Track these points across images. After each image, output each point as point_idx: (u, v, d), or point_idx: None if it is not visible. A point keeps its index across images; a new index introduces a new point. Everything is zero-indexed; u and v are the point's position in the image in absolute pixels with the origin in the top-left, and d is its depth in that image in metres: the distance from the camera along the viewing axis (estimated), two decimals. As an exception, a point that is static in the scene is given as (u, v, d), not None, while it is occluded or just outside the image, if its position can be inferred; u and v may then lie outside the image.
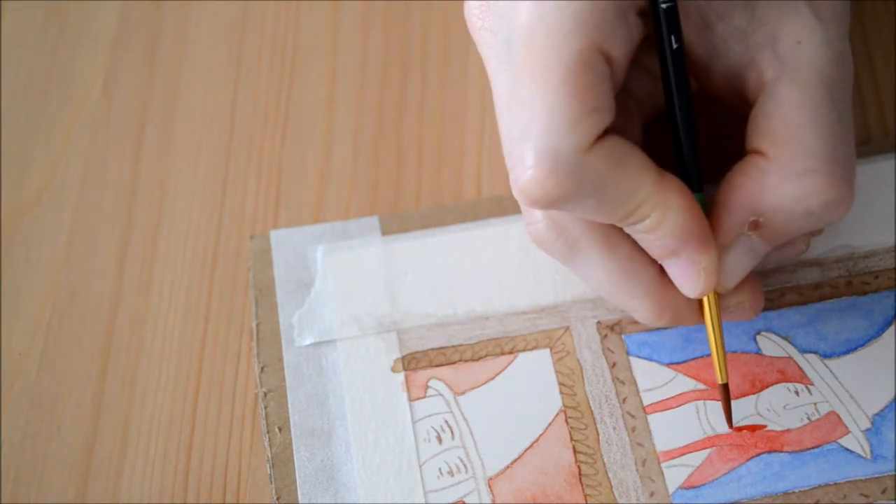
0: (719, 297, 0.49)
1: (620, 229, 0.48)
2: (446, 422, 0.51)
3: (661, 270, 0.49)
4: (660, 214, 0.46)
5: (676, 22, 0.47)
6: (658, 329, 0.53)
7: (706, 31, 0.48)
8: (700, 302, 0.49)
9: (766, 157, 0.47)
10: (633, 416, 0.51)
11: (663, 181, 0.46)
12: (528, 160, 0.45)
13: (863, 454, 0.49)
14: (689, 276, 0.47)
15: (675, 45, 0.47)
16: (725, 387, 0.49)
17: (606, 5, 0.45)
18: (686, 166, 0.48)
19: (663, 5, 0.47)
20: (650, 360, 0.52)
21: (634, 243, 0.48)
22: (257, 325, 0.54)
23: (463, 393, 0.52)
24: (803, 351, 0.52)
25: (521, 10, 0.45)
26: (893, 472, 0.49)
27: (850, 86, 0.48)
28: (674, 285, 0.48)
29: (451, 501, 0.50)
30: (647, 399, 0.51)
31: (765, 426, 0.50)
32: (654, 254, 0.48)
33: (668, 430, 0.50)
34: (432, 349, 0.53)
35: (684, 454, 0.50)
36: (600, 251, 0.48)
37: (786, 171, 0.46)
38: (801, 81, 0.47)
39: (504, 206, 0.56)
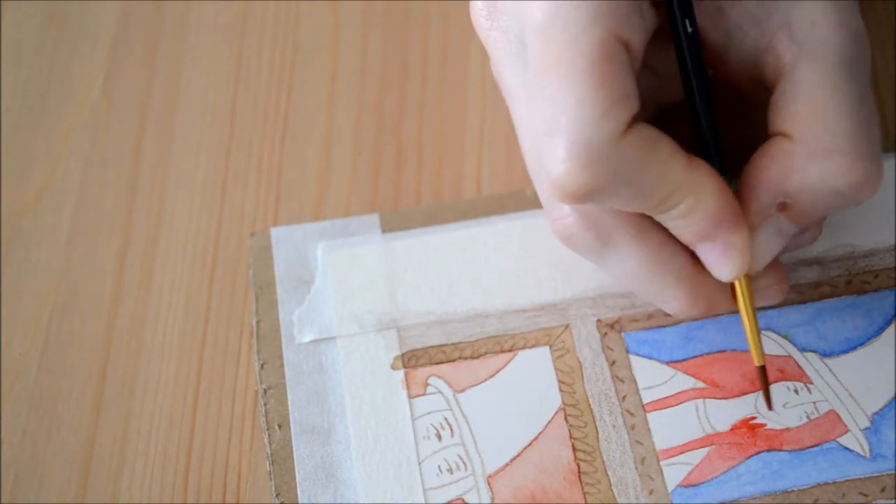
0: (749, 281, 0.49)
1: (650, 218, 0.48)
2: (446, 419, 0.51)
3: (693, 258, 0.48)
4: (694, 198, 0.46)
5: (689, 6, 0.47)
6: (658, 327, 0.53)
7: (720, 18, 0.49)
8: (732, 288, 0.49)
9: (790, 139, 0.47)
10: (632, 415, 0.51)
11: (694, 165, 0.46)
12: (561, 154, 0.44)
13: (862, 453, 0.49)
14: (723, 259, 0.47)
15: (689, 30, 0.47)
16: (763, 369, 0.50)
17: None
18: (709, 151, 0.48)
19: None
20: (650, 358, 0.52)
21: (665, 231, 0.48)
22: (257, 322, 0.54)
23: (462, 390, 0.52)
24: (803, 350, 0.52)
25: (533, 7, 0.45)
26: (893, 471, 0.49)
27: (869, 65, 0.48)
28: (706, 272, 0.48)
29: (450, 499, 0.50)
30: (647, 397, 0.51)
31: (764, 424, 0.50)
32: (687, 239, 0.48)
33: (668, 428, 0.50)
34: (432, 346, 0.53)
35: (683, 452, 0.50)
36: (632, 241, 0.48)
37: (811, 153, 0.46)
38: (819, 63, 0.47)
39: (504, 204, 0.56)
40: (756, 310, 0.49)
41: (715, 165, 0.47)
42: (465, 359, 0.53)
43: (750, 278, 0.49)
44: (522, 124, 0.49)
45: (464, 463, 0.50)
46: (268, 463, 0.51)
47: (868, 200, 0.47)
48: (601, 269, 0.50)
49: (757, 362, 0.49)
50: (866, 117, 0.47)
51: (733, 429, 0.50)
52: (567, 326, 0.53)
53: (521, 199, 0.56)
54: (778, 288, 0.50)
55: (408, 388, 0.52)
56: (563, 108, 0.44)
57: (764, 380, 0.50)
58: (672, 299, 0.49)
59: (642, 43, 0.46)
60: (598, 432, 0.51)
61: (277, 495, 0.50)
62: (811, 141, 0.46)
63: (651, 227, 0.48)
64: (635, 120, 0.45)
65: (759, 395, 0.51)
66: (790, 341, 0.52)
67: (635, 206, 0.46)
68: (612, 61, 0.44)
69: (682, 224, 0.47)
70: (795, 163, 0.47)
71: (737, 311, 0.49)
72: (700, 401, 0.51)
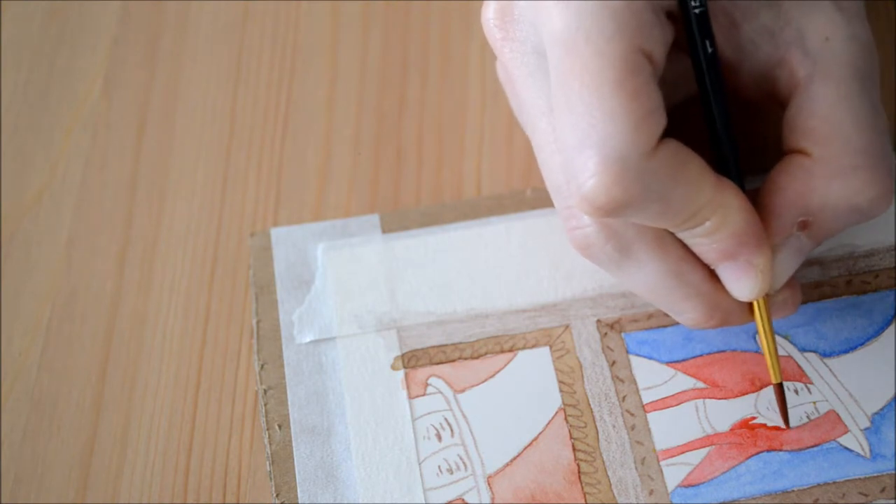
0: (768, 299, 0.49)
1: (670, 231, 0.47)
2: (446, 419, 0.51)
3: (711, 271, 0.48)
4: (720, 217, 0.46)
5: (708, 26, 0.47)
6: (658, 327, 0.53)
7: (733, 32, 0.49)
8: (748, 303, 0.49)
9: (809, 157, 0.47)
10: (632, 415, 0.51)
11: (721, 183, 0.46)
12: (592, 167, 0.44)
13: (862, 453, 0.49)
14: (745, 279, 0.47)
15: (709, 50, 0.47)
16: (780, 386, 0.49)
17: (643, 6, 0.44)
18: (728, 169, 0.48)
19: (695, 10, 0.47)
20: (650, 358, 0.52)
21: (685, 245, 0.48)
22: (257, 322, 0.54)
23: (462, 391, 0.52)
24: (803, 350, 0.52)
25: (553, 17, 0.45)
26: (893, 471, 0.49)
27: (878, 76, 0.48)
28: (723, 286, 0.48)
29: (450, 499, 0.50)
30: (647, 397, 0.51)
31: (764, 424, 0.50)
32: (709, 257, 0.47)
33: (668, 428, 0.50)
34: (432, 347, 0.53)
35: (684, 452, 0.50)
36: (653, 254, 0.48)
37: (831, 170, 0.47)
38: (834, 78, 0.47)
39: (504, 204, 0.56)
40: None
41: (735, 183, 0.47)
42: (465, 359, 0.53)
43: (768, 295, 0.49)
44: (542, 135, 0.49)
45: (464, 463, 0.50)
46: (268, 463, 0.51)
47: (880, 215, 0.48)
48: (617, 278, 0.50)
49: (774, 380, 0.49)
50: (880, 130, 0.47)
51: (733, 429, 0.50)
52: (567, 326, 0.53)
53: (521, 199, 0.56)
54: (793, 301, 0.50)
55: (408, 388, 0.52)
56: (593, 121, 0.44)
57: (781, 398, 0.50)
58: (688, 311, 0.49)
59: (663, 55, 0.46)
60: (598, 432, 0.51)
61: (277, 495, 0.50)
62: (831, 159, 0.46)
63: (671, 239, 0.48)
64: (664, 135, 0.45)
65: (759, 395, 0.51)
66: (790, 341, 0.52)
67: (662, 222, 0.46)
68: (639, 74, 0.44)
69: (705, 241, 0.47)
70: (816, 181, 0.47)
71: (748, 321, 0.49)
72: (700, 401, 0.51)
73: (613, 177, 0.44)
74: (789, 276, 0.49)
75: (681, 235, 0.47)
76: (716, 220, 0.46)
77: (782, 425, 0.50)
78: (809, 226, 0.48)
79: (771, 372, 0.49)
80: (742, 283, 0.47)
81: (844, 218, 0.48)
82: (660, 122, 0.44)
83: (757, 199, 0.48)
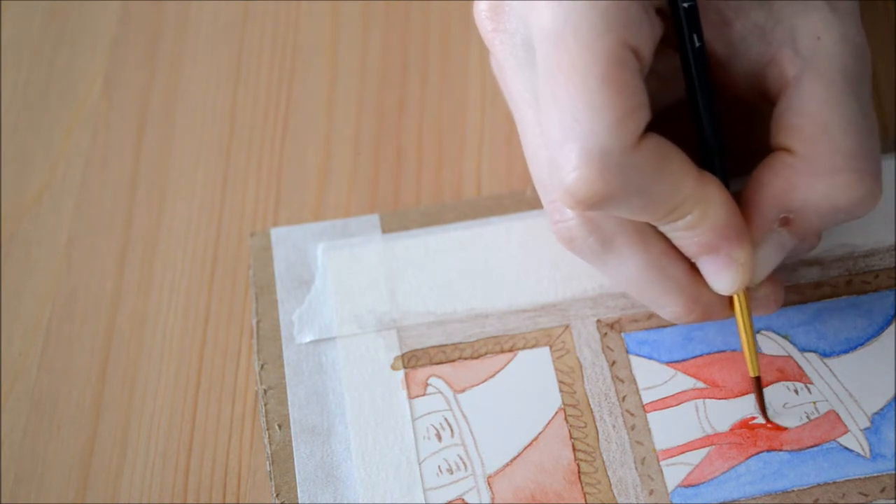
0: (748, 293, 0.49)
1: (652, 225, 0.48)
2: (446, 419, 0.51)
3: (692, 266, 0.48)
4: (701, 210, 0.46)
5: (697, 20, 0.47)
6: (658, 327, 0.53)
7: (725, 30, 0.49)
8: (729, 297, 0.49)
9: (794, 155, 0.47)
10: (632, 415, 0.51)
11: (703, 177, 0.46)
12: (575, 160, 0.44)
13: (862, 453, 0.49)
14: (725, 273, 0.47)
15: (697, 44, 0.47)
16: (758, 380, 0.50)
17: (631, 3, 0.45)
18: (713, 164, 0.48)
19: (684, 4, 0.47)
20: (650, 358, 0.52)
21: (666, 238, 0.48)
22: (257, 322, 0.54)
23: (462, 391, 0.52)
24: (803, 350, 0.52)
25: (542, 12, 0.45)
26: (892, 471, 0.49)
27: (870, 78, 0.48)
28: (705, 280, 0.48)
29: (450, 499, 0.50)
30: (647, 397, 0.51)
31: (764, 424, 0.50)
32: (690, 251, 0.48)
33: (668, 428, 0.50)
34: (432, 347, 0.53)
35: (684, 452, 0.50)
36: (635, 247, 0.48)
37: (815, 169, 0.47)
38: (824, 78, 0.47)
39: (504, 204, 0.56)
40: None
41: (718, 177, 0.47)
42: (465, 359, 0.53)
43: (748, 290, 0.49)
44: (528, 128, 0.49)
45: (464, 463, 0.50)
46: (268, 463, 0.51)
47: (865, 216, 0.48)
48: (600, 272, 0.50)
49: (752, 373, 0.50)
50: (868, 132, 0.47)
51: (733, 429, 0.50)
52: (567, 326, 0.53)
53: (521, 199, 0.56)
54: (774, 298, 0.50)
55: (408, 388, 0.52)
56: (577, 115, 0.44)
57: (759, 390, 0.50)
58: (669, 305, 0.49)
59: (651, 51, 0.46)
60: (598, 432, 0.51)
61: (277, 495, 0.50)
62: (815, 158, 0.47)
63: (652, 233, 0.48)
64: (647, 129, 0.45)
65: (760, 396, 0.51)
66: (790, 341, 0.52)
67: (644, 216, 0.46)
68: (624, 69, 0.44)
69: (687, 235, 0.47)
70: (799, 179, 0.47)
71: (728, 316, 0.49)
72: (700, 401, 0.51)
73: (596, 170, 0.44)
74: (770, 272, 0.49)
75: (662, 229, 0.47)
76: (697, 214, 0.46)
77: (783, 425, 0.50)
78: (791, 223, 0.48)
79: (749, 366, 0.50)
80: (722, 276, 0.48)
81: (827, 216, 0.48)
82: (643, 116, 0.45)
83: (740, 195, 0.48)
